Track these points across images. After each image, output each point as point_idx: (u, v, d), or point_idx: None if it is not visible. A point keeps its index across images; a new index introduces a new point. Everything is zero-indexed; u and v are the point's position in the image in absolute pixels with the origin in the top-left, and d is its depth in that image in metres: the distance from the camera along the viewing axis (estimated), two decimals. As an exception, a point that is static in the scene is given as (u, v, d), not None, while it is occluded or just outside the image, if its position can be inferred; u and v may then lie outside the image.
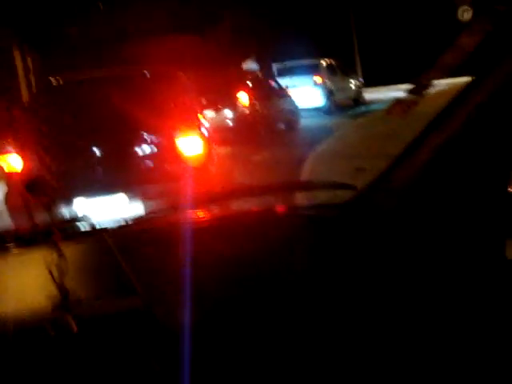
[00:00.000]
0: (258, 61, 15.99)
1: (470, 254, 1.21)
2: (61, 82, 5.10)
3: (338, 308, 1.12)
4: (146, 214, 1.55)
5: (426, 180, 1.47)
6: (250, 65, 17.06)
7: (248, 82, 12.06)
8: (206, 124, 5.84)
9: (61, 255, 0.90)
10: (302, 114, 14.91)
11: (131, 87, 5.49)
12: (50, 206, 0.93)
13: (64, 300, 0.89)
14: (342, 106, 18.54)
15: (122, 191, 4.50)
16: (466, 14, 15.89)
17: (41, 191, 0.91)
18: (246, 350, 1.00)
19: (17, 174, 4.82)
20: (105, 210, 4.51)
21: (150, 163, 4.82)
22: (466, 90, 1.42)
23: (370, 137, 10.07)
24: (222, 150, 8.40)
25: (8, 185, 5.02)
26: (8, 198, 4.97)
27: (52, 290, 1.12)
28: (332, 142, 10.27)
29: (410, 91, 1.40)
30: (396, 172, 1.58)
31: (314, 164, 7.94)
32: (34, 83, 13.94)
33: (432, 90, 1.63)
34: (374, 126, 12.11)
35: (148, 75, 5.57)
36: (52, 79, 5.32)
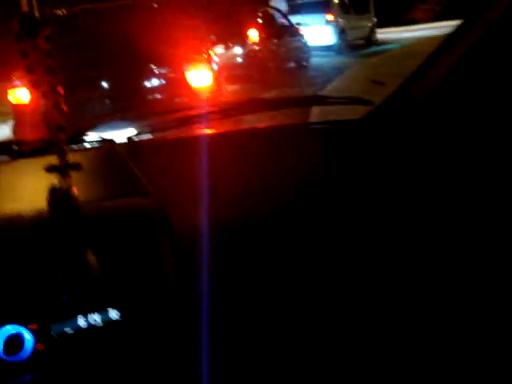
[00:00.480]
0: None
1: (482, 179, 1.17)
2: (65, 13, 5.01)
3: (350, 219, 1.10)
4: (154, 127, 1.51)
5: (445, 93, 1.43)
6: (279, 2, 16.70)
7: (259, 20, 11.78)
8: (216, 59, 5.75)
9: (65, 158, 0.85)
10: (313, 52, 14.65)
11: (139, 18, 5.39)
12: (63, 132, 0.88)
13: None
14: (354, 45, 18.17)
15: (133, 125, 4.44)
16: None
17: (55, 121, 0.87)
18: (260, 261, 0.99)
19: (24, 105, 4.79)
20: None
21: (159, 95, 4.78)
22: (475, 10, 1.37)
23: (381, 75, 9.89)
24: (231, 87, 8.29)
25: (16, 116, 5.00)
26: (16, 129, 4.97)
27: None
28: (343, 79, 10.11)
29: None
30: (414, 86, 1.54)
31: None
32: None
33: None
34: (386, 65, 11.88)
35: (156, 6, 5.46)
36: (57, 11, 5.22)
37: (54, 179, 1.24)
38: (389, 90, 1.65)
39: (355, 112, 1.68)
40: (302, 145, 1.51)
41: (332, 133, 1.60)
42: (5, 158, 1.40)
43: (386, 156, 1.36)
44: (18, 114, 4.96)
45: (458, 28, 1.42)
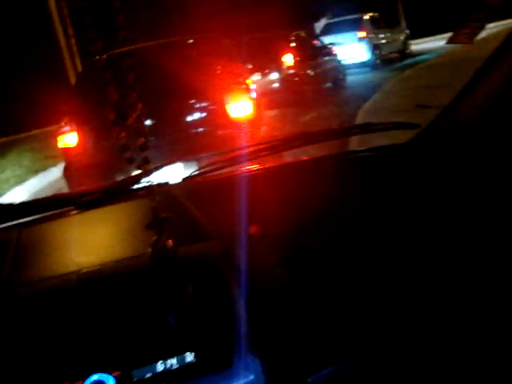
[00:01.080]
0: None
1: None
2: (104, 57, 5.14)
3: (400, 246, 1.11)
4: (206, 168, 1.56)
5: (493, 113, 1.42)
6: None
7: (292, 44, 11.88)
8: (254, 88, 5.82)
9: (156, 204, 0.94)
10: (349, 70, 14.65)
11: (178, 56, 5.51)
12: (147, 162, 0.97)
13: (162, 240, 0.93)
14: (389, 59, 18.09)
15: (179, 161, 4.51)
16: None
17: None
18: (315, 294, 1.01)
19: (73, 148, 4.96)
20: (163, 177, 4.53)
21: (203, 130, 4.84)
22: None
23: (419, 87, 9.80)
24: (270, 113, 8.36)
25: (65, 160, 5.17)
26: (66, 172, 5.14)
27: (133, 240, 1.17)
28: (381, 96, 10.04)
29: (474, 18, 1.33)
30: (460, 107, 1.52)
31: (365, 119, 7.80)
32: (79, 63, 14.20)
33: (482, 34, 1.55)
34: (422, 76, 11.76)
35: (193, 42, 5.57)
36: (97, 57, 5.37)
37: (119, 230, 1.31)
38: (433, 110, 1.66)
39: (401, 135, 1.68)
40: (347, 173, 1.52)
41: (377, 159, 1.60)
42: (70, 209, 1.46)
43: (432, 179, 1.36)
44: (67, 157, 5.13)
45: (507, 39, 1.40)
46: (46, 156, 9.48)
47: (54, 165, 8.62)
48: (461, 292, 1.03)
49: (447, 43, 1.46)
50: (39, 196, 6.64)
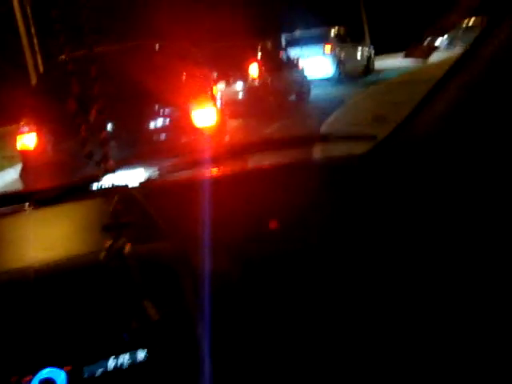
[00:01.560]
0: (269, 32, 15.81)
1: (489, 209, 1.20)
2: (67, 59, 5.06)
3: (357, 255, 1.12)
4: (165, 170, 1.56)
5: (449, 127, 1.45)
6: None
7: (258, 54, 11.94)
8: (219, 96, 5.83)
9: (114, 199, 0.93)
10: (313, 84, 14.80)
11: (142, 61, 5.47)
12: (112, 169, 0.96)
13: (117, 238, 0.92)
14: (353, 75, 18.35)
15: (139, 166, 4.42)
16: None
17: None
18: (268, 298, 1.02)
19: (31, 151, 4.87)
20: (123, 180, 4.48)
21: (166, 135, 4.81)
22: (480, 37, 1.39)
23: (382, 104, 9.97)
24: (234, 123, 8.38)
25: (23, 161, 5.08)
26: (23, 173, 5.04)
27: (86, 239, 1.15)
28: (344, 110, 10.18)
29: (431, 33, 1.37)
30: (417, 120, 1.56)
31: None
32: (40, 63, 13.99)
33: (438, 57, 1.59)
34: (386, 93, 11.98)
35: (159, 48, 5.55)
36: (59, 57, 5.31)
37: (76, 227, 1.29)
38: (390, 123, 1.69)
39: (358, 147, 1.71)
40: (307, 182, 1.54)
41: (336, 169, 1.63)
42: (26, 206, 1.44)
43: (388, 191, 1.38)
44: (24, 159, 5.04)
45: (460, 58, 1.44)
46: (3, 156, 9.30)
47: (11, 166, 8.45)
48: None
49: (404, 57, 1.50)
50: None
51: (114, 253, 0.92)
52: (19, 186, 6.19)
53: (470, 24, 25.59)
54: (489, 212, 1.17)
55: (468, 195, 1.23)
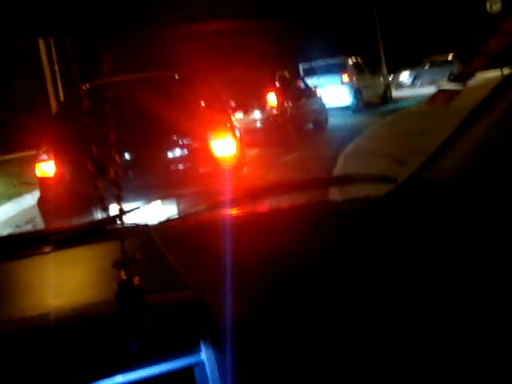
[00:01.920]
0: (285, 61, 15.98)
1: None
2: (88, 87, 5.10)
3: (371, 297, 1.10)
4: (186, 212, 1.56)
5: (472, 172, 1.43)
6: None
7: (276, 83, 12.03)
8: (237, 125, 5.84)
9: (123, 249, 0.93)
10: (331, 113, 14.87)
11: (162, 90, 5.52)
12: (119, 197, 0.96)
13: (131, 289, 0.91)
14: (370, 104, 18.43)
15: (158, 198, 4.40)
16: (494, 6, 15.82)
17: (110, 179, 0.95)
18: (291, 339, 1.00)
19: (49, 178, 4.89)
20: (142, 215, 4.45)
21: (185, 167, 4.76)
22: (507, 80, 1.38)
23: (400, 134, 9.98)
24: (251, 152, 8.42)
25: (41, 189, 5.10)
26: (41, 201, 5.06)
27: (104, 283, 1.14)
28: (362, 140, 10.20)
29: (454, 80, 1.36)
30: (438, 164, 1.54)
31: (346, 163, 7.88)
32: (61, 91, 14.21)
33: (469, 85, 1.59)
34: (403, 123, 12.00)
35: (178, 78, 5.58)
36: (79, 87, 5.34)
37: (94, 272, 1.28)
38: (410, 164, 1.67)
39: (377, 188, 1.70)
40: (323, 223, 1.52)
41: (353, 212, 1.61)
42: (46, 248, 1.44)
43: (405, 237, 1.36)
44: (43, 187, 5.06)
45: (482, 102, 1.42)
46: (22, 182, 9.40)
47: (29, 192, 8.54)
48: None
49: (426, 106, 1.50)
50: (10, 223, 6.57)
51: (124, 288, 0.91)
52: (35, 213, 6.24)
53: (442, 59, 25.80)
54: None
55: (487, 245, 1.20)
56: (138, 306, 0.91)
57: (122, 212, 1.03)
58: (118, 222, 1.25)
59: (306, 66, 18.32)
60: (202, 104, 5.37)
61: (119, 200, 0.97)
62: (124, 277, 0.91)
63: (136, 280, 0.91)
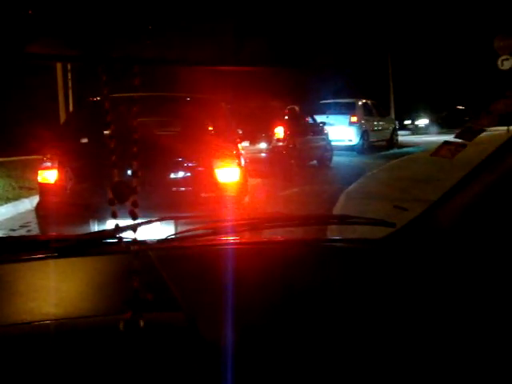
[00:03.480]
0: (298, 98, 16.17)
1: None
2: (98, 99, 5.11)
3: (364, 337, 1.10)
4: (185, 233, 1.56)
5: (471, 222, 1.45)
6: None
7: (285, 117, 12.10)
8: (243, 153, 5.84)
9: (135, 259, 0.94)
10: (336, 151, 14.94)
11: (172, 111, 5.55)
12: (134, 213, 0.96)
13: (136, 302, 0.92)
14: (376, 146, 18.54)
15: (158, 220, 4.25)
16: (506, 62, 16.05)
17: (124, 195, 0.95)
18: (284, 367, 1.00)
19: (50, 185, 4.89)
20: (139, 232, 4.42)
21: (187, 189, 4.75)
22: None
23: (403, 178, 10.02)
24: (253, 181, 8.43)
25: (41, 195, 5.10)
26: (39, 207, 5.05)
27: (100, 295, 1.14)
28: (365, 181, 10.23)
29: (460, 135, 1.39)
30: (438, 213, 1.56)
31: (347, 202, 7.89)
32: (71, 102, 14.31)
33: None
34: (407, 168, 12.05)
35: (190, 100, 5.61)
36: (91, 98, 5.40)
37: (92, 284, 1.28)
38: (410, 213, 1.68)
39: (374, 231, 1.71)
40: (320, 260, 1.53)
41: (351, 252, 1.62)
42: (44, 254, 1.44)
43: (401, 279, 1.37)
44: (43, 192, 5.06)
45: (485, 159, 1.44)
46: (22, 186, 9.40)
47: (27, 196, 8.53)
48: None
49: (431, 155, 1.52)
50: (5, 225, 6.50)
51: (131, 325, 0.92)
52: (31, 218, 6.21)
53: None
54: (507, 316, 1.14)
55: (482, 294, 1.21)
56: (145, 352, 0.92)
57: (136, 227, 1.04)
58: (125, 237, 1.27)
59: (317, 103, 18.46)
60: (212, 129, 5.39)
61: (135, 216, 0.97)
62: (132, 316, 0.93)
63: (143, 322, 0.94)
